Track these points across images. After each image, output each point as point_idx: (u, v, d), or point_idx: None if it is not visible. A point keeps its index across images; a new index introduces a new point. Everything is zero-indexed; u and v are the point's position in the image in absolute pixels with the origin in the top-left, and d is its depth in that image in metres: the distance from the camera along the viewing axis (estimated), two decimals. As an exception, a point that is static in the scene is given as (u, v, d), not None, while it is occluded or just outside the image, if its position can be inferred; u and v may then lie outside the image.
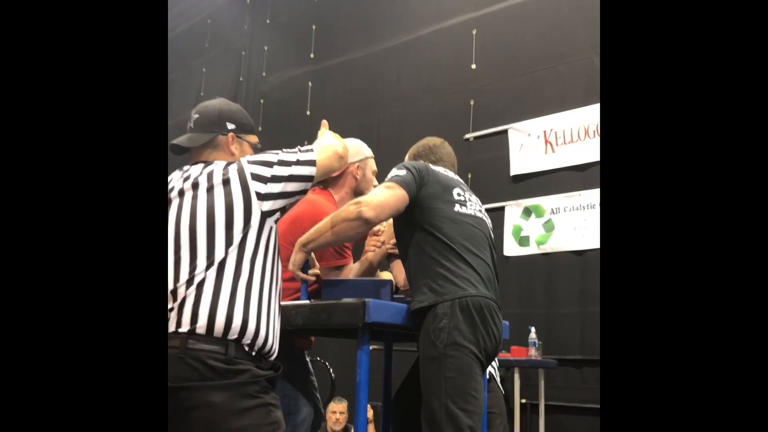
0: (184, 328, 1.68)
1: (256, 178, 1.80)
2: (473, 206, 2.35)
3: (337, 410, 4.96)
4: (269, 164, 1.82)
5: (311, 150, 1.89)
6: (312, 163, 1.86)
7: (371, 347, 2.10)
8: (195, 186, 1.81)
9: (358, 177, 2.62)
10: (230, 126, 1.95)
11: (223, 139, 1.93)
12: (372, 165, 2.69)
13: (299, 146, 1.90)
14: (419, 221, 2.23)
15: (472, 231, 2.28)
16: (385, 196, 2.19)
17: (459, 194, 2.33)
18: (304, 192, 1.88)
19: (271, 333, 1.78)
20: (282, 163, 1.83)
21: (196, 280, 1.71)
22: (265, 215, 1.79)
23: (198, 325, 1.68)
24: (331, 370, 4.86)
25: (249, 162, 1.83)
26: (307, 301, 2.19)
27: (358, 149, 2.65)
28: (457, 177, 2.43)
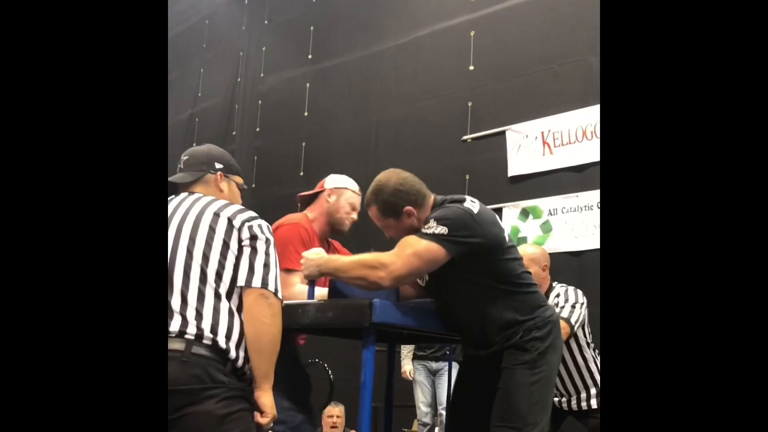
0: (190, 335, 1.75)
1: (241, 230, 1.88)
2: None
3: (333, 414, 4.87)
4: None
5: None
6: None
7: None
8: (190, 210, 1.90)
9: (329, 201, 2.70)
10: (218, 165, 2.10)
11: (211, 176, 2.08)
12: (350, 198, 2.74)
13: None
14: (484, 271, 2.20)
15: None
16: (410, 266, 2.11)
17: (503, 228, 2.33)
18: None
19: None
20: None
21: (199, 293, 1.80)
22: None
23: (205, 335, 1.76)
24: (330, 372, 4.86)
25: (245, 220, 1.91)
26: (314, 300, 2.20)
27: (340, 178, 2.77)
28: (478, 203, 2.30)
